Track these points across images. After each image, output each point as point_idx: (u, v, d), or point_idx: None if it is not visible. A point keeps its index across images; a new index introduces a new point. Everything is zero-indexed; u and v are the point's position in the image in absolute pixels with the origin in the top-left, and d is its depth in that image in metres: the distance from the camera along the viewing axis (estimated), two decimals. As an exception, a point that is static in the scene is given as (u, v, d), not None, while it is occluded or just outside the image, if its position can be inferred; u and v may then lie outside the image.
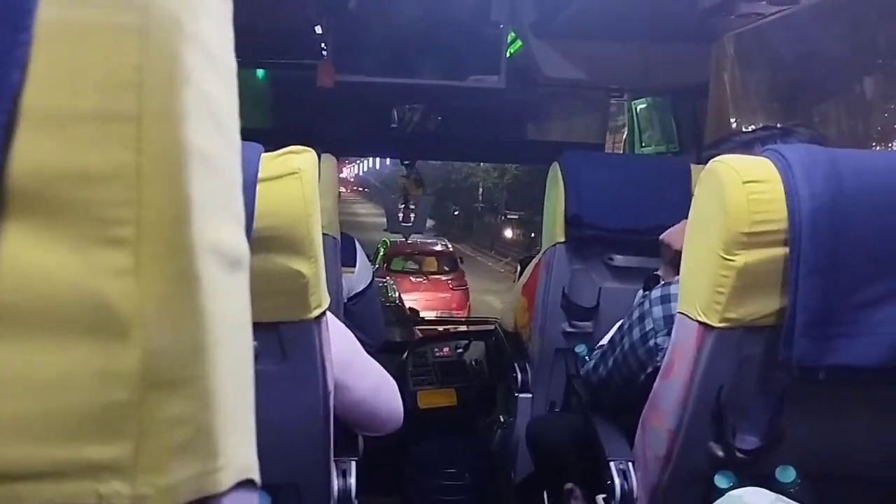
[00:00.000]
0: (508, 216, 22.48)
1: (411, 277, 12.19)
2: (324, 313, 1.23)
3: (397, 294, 5.97)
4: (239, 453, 0.41)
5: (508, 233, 22.02)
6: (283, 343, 1.21)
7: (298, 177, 1.13)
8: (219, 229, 0.38)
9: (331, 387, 1.29)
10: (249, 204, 1.06)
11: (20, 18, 0.29)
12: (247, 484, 0.43)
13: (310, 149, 1.19)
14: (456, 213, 25.96)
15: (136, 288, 0.33)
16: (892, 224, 1.07)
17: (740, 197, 1.09)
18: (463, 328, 3.70)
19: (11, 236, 0.31)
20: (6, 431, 0.32)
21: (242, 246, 0.42)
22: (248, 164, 1.04)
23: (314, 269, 1.16)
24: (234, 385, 0.41)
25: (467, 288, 12.57)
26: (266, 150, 1.13)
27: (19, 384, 0.32)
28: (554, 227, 2.20)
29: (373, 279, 2.42)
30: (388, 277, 7.48)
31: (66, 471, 0.33)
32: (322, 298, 1.22)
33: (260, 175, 1.07)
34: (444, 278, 12.48)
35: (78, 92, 0.31)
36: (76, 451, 0.33)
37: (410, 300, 8.63)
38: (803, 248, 1.07)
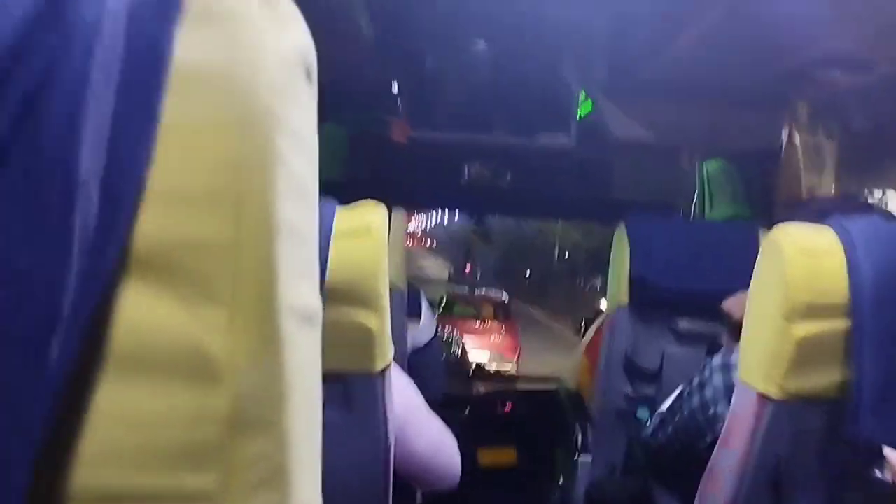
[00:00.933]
0: (591, 280, 20.06)
1: (469, 322, 13.14)
2: (388, 366, 1.26)
3: (461, 348, 5.99)
4: (308, 494, 0.45)
5: (593, 300, 19.61)
6: (348, 394, 1.24)
7: (370, 233, 1.18)
8: (299, 291, 0.43)
9: (392, 440, 1.31)
10: (324, 256, 1.12)
11: (151, 112, 0.35)
12: None
13: (382, 204, 1.24)
14: (528, 274, 23.35)
15: (230, 341, 0.38)
16: None
17: (801, 268, 1.09)
18: (525, 386, 3.67)
19: (131, 292, 0.36)
20: (113, 459, 0.37)
21: (317, 304, 0.46)
22: (324, 220, 1.09)
23: (381, 322, 1.20)
24: (306, 430, 0.45)
25: (517, 334, 13.48)
26: (340, 202, 1.19)
27: (127, 420, 0.37)
28: (618, 289, 2.20)
29: (437, 332, 2.44)
30: (448, 327, 7.65)
31: (163, 495, 0.38)
32: (387, 352, 1.25)
33: (335, 230, 1.13)
34: (497, 324, 13.50)
35: (189, 175, 0.37)
36: (172, 479, 0.38)
37: (466, 340, 9.15)
38: (866, 323, 1.06)
